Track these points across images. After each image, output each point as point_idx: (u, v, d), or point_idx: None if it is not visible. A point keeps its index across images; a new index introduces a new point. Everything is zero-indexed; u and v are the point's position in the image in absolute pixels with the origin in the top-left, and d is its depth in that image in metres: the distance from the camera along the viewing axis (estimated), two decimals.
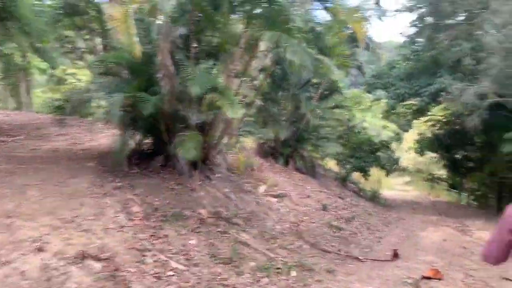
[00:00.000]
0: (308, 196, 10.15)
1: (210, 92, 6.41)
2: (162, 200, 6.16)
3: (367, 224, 9.48)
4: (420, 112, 19.78)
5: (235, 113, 6.45)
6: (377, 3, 16.98)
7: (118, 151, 6.96)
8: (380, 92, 17.80)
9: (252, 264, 5.24)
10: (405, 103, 18.92)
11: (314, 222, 8.23)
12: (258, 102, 12.99)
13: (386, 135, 24.68)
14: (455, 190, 23.56)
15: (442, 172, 25.03)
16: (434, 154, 22.91)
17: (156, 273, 4.34)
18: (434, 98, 14.58)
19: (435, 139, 20.76)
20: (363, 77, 15.92)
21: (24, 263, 3.73)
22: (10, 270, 3.61)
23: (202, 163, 7.28)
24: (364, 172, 16.95)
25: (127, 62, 6.76)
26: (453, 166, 21.17)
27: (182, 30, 7.10)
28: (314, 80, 14.40)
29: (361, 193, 16.41)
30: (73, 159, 7.52)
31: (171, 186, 6.62)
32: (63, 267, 3.86)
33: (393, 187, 30.57)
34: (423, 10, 16.57)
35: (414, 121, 25.00)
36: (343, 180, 16.47)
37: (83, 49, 9.47)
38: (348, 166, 16.82)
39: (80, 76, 18.41)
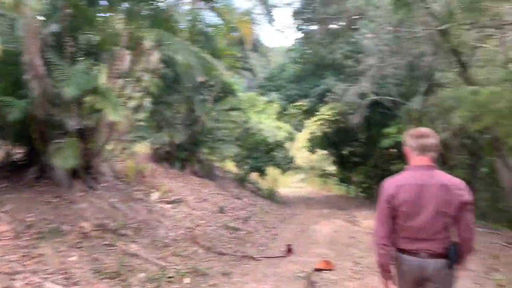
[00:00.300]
0: (205, 200, 9.99)
1: (90, 94, 5.90)
2: (37, 216, 5.49)
3: (263, 222, 9.61)
4: (310, 112, 20.80)
5: (118, 116, 6.02)
6: (267, 8, 17.61)
7: None
8: (273, 94, 18.32)
9: (142, 275, 4.89)
10: (296, 104, 19.75)
11: (210, 225, 8.09)
12: (148, 105, 12.51)
13: (280, 135, 25.61)
14: (344, 184, 25.24)
15: (333, 168, 26.67)
16: (324, 151, 24.29)
17: None
18: (321, 99, 15.44)
19: (324, 137, 22.02)
20: (255, 79, 16.26)
21: None
22: None
23: (84, 172, 6.68)
24: (261, 172, 17.31)
25: None
26: (341, 162, 22.67)
27: (54, 27, 6.45)
28: (208, 82, 14.38)
29: (259, 192, 16.73)
30: None
31: (47, 199, 5.94)
32: None
33: (289, 185, 31.84)
34: (308, 16, 17.50)
35: (306, 121, 26.33)
36: (241, 181, 16.63)
37: None
38: (245, 167, 17.02)
39: None
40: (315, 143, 23.51)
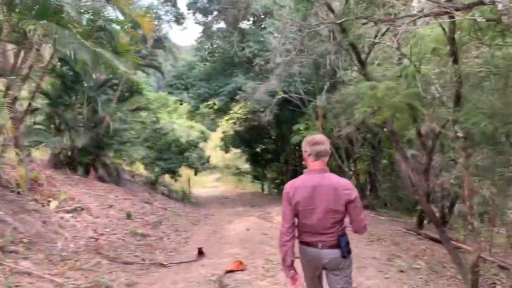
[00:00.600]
0: (111, 206, 9.36)
1: None
2: None
3: (175, 226, 9.26)
4: (222, 111, 20.76)
5: (1, 118, 5.32)
6: (174, 5, 17.11)
7: None
8: (183, 93, 17.89)
9: None
10: (207, 103, 19.54)
11: (116, 234, 7.57)
12: (44, 106, 11.46)
13: (193, 135, 25.22)
14: (258, 181, 25.62)
15: (247, 166, 26.93)
16: (238, 150, 24.40)
17: None
18: (232, 97, 15.39)
19: (237, 135, 22.11)
20: (164, 78, 15.72)
21: None
22: None
23: None
24: (174, 174, 16.82)
25: None
26: (255, 159, 22.94)
27: None
28: (113, 81, 13.61)
29: (172, 195, 16.27)
30: None
31: None
32: None
33: (205, 185, 31.60)
34: (215, 14, 17.35)
35: (219, 120, 26.24)
36: (152, 184, 16.03)
37: None
38: (157, 169, 16.41)
39: None
40: (228, 142, 23.53)
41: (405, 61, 4.83)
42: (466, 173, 3.72)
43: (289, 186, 2.94)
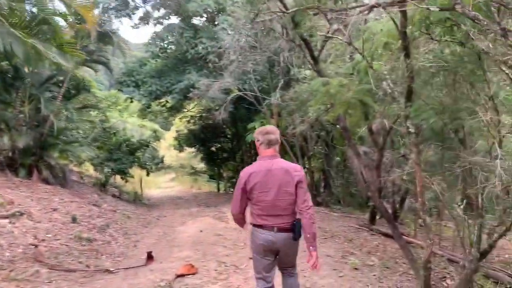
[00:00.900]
0: (55, 210, 8.79)
1: None
2: None
3: (124, 229, 8.83)
4: (175, 109, 20.24)
5: None
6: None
7: None
8: (134, 91, 17.29)
9: None
10: (160, 101, 18.99)
11: (59, 239, 7.07)
12: None
13: (146, 134, 24.50)
14: (214, 180, 25.29)
15: (203, 165, 26.51)
16: (192, 149, 23.95)
17: None
18: (185, 95, 14.98)
19: (191, 134, 21.70)
20: (111, 74, 15.06)
21: None
22: None
23: None
24: (124, 174, 16.17)
25: None
26: (210, 158, 22.60)
27: None
28: (57, 78, 12.86)
29: (123, 197, 15.65)
30: None
31: None
32: None
33: (160, 185, 30.85)
34: (167, 9, 16.87)
35: (172, 118, 25.65)
36: (102, 186, 15.34)
37: None
38: (106, 170, 15.70)
39: None
40: (182, 141, 23.03)
41: (357, 57, 4.78)
42: (418, 169, 3.68)
43: (244, 172, 3.25)
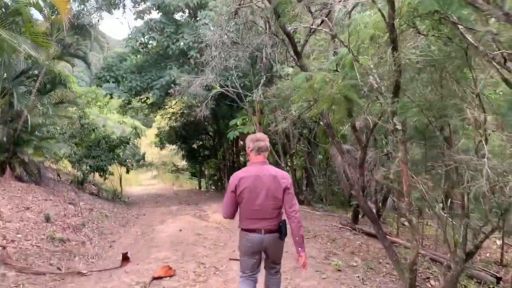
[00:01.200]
0: (28, 208, 8.42)
1: None
2: None
3: (100, 228, 8.51)
4: (156, 105, 19.83)
5: None
6: None
7: None
8: (113, 86, 16.83)
9: None
10: (140, 97, 18.54)
11: (29, 240, 6.72)
12: None
13: (126, 131, 24.00)
14: (196, 178, 24.96)
15: (184, 163, 26.13)
16: (174, 146, 23.58)
17: None
18: (166, 91, 14.62)
19: (173, 131, 21.31)
20: (89, 69, 14.60)
21: None
22: None
23: None
24: (103, 172, 15.72)
25: None
26: (192, 156, 22.23)
27: None
28: (33, 72, 12.39)
29: (102, 195, 15.24)
30: None
31: None
32: None
33: (141, 183, 30.35)
34: (148, 4, 16.48)
35: (154, 115, 25.17)
36: (80, 183, 14.90)
37: None
38: (84, 167, 15.23)
39: None
40: (163, 138, 22.61)
41: (342, 51, 4.61)
42: (405, 168, 3.54)
43: (234, 177, 3.42)
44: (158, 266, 5.61)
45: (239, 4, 6.81)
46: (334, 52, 6.29)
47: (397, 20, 3.42)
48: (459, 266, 4.07)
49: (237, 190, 3.33)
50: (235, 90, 13.12)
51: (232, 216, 3.45)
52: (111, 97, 19.22)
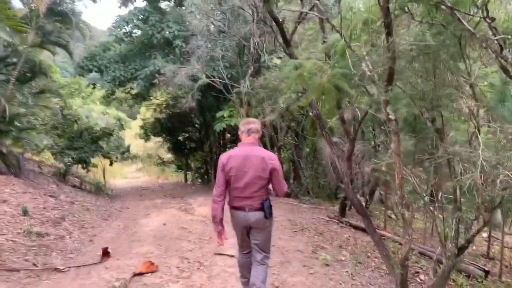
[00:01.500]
0: (4, 201, 8.07)
1: None
2: None
3: (81, 222, 8.22)
4: (140, 96, 19.40)
5: None
6: None
7: None
8: (96, 76, 16.41)
9: None
10: (124, 87, 18.10)
11: (4, 234, 6.42)
12: None
13: (109, 122, 23.51)
14: (181, 171, 24.66)
15: (170, 155, 25.79)
16: (159, 138, 23.21)
17: None
18: (151, 82, 14.27)
19: (158, 123, 20.95)
20: (71, 58, 14.15)
21: None
22: None
23: None
24: (86, 164, 15.35)
25: None
26: (177, 148, 21.92)
27: None
28: (11, 59, 11.95)
29: (84, 187, 14.90)
30: None
31: None
32: None
33: (126, 176, 29.92)
34: None
35: (138, 106, 24.68)
36: (62, 175, 14.53)
37: None
38: (66, 159, 14.83)
39: None
40: (148, 130, 22.20)
41: (333, 38, 4.42)
42: (398, 160, 3.38)
43: (223, 155, 3.60)
44: (140, 261, 5.39)
45: None
46: (323, 41, 6.10)
47: (392, 3, 3.24)
48: (451, 261, 3.95)
49: (225, 169, 3.48)
50: (222, 81, 12.86)
51: (222, 194, 3.52)
52: (94, 87, 18.76)
